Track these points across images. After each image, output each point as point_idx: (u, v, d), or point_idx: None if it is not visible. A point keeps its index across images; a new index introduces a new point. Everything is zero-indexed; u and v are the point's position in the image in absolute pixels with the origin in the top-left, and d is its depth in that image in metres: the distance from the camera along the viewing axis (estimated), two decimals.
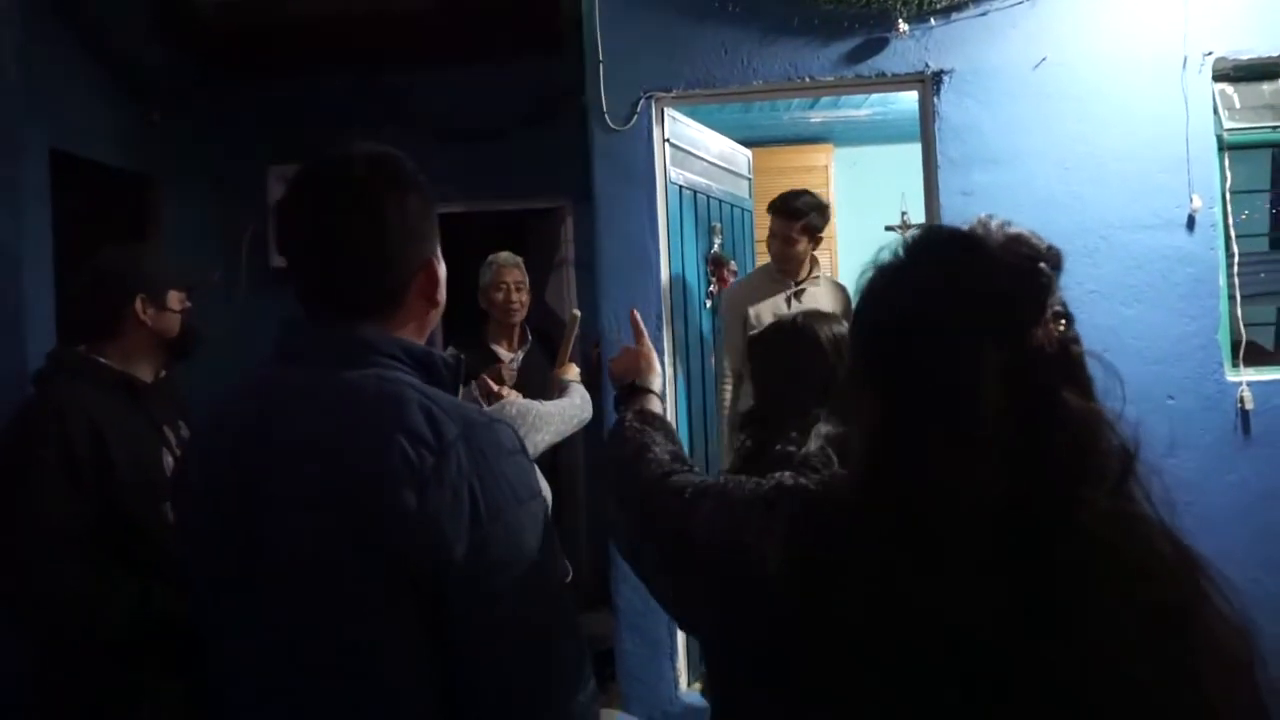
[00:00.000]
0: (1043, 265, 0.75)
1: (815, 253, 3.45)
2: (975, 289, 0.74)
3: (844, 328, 1.50)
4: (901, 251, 0.82)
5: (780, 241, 3.30)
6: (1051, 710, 0.68)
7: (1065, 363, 0.75)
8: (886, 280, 0.81)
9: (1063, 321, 0.75)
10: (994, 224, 0.79)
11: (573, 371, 2.67)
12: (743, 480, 0.93)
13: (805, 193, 3.34)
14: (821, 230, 3.35)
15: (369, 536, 0.90)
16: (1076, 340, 0.77)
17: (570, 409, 2.38)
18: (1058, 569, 0.69)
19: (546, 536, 0.97)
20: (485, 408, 2.22)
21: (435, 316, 1.09)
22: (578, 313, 2.88)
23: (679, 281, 3.37)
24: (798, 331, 1.50)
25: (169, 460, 1.82)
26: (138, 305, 1.84)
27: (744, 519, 0.85)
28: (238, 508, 0.97)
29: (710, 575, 0.88)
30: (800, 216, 3.26)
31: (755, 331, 2.34)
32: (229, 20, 3.81)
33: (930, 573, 0.70)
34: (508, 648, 0.91)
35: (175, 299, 1.91)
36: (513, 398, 2.32)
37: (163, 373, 1.95)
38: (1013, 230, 0.78)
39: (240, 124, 4.25)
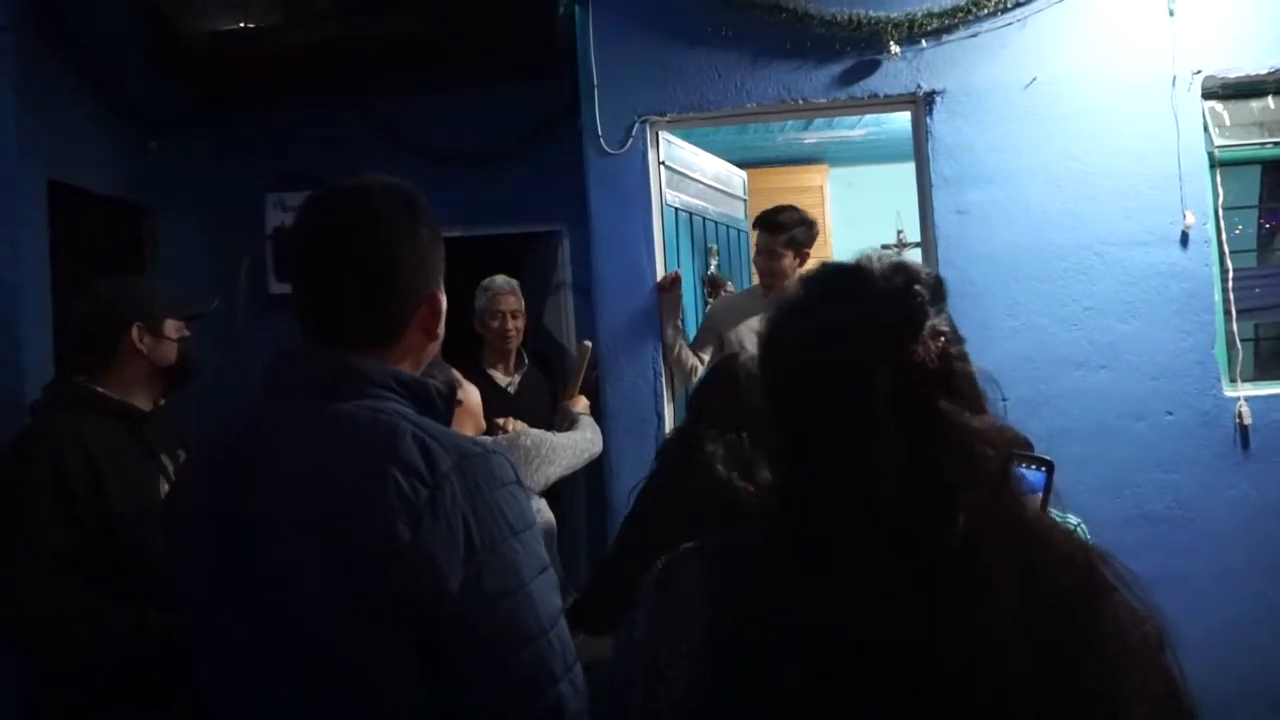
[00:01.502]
0: (918, 288, 0.81)
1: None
2: (859, 314, 0.81)
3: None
4: (800, 288, 0.89)
5: (766, 256, 3.28)
6: (963, 709, 0.71)
7: (947, 377, 0.80)
8: (785, 315, 0.87)
9: (942, 339, 0.81)
10: (877, 256, 0.86)
11: (582, 403, 2.65)
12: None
13: (791, 208, 3.33)
14: (808, 246, 3.31)
15: (363, 569, 0.89)
16: (961, 357, 0.83)
17: (582, 442, 2.35)
18: (950, 571, 0.73)
19: (542, 566, 0.96)
20: (498, 439, 2.20)
21: (433, 349, 1.10)
22: (588, 344, 2.88)
23: None
24: (729, 372, 1.78)
25: (166, 488, 1.81)
26: (134, 334, 1.84)
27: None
28: (231, 539, 0.96)
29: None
30: (784, 230, 3.24)
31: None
32: (223, 49, 3.83)
33: (832, 587, 0.74)
34: (502, 679, 0.90)
35: (172, 327, 1.91)
36: (521, 428, 2.29)
37: (161, 401, 1.95)
38: (894, 260, 0.85)
39: (237, 152, 4.26)
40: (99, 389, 1.83)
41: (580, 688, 0.96)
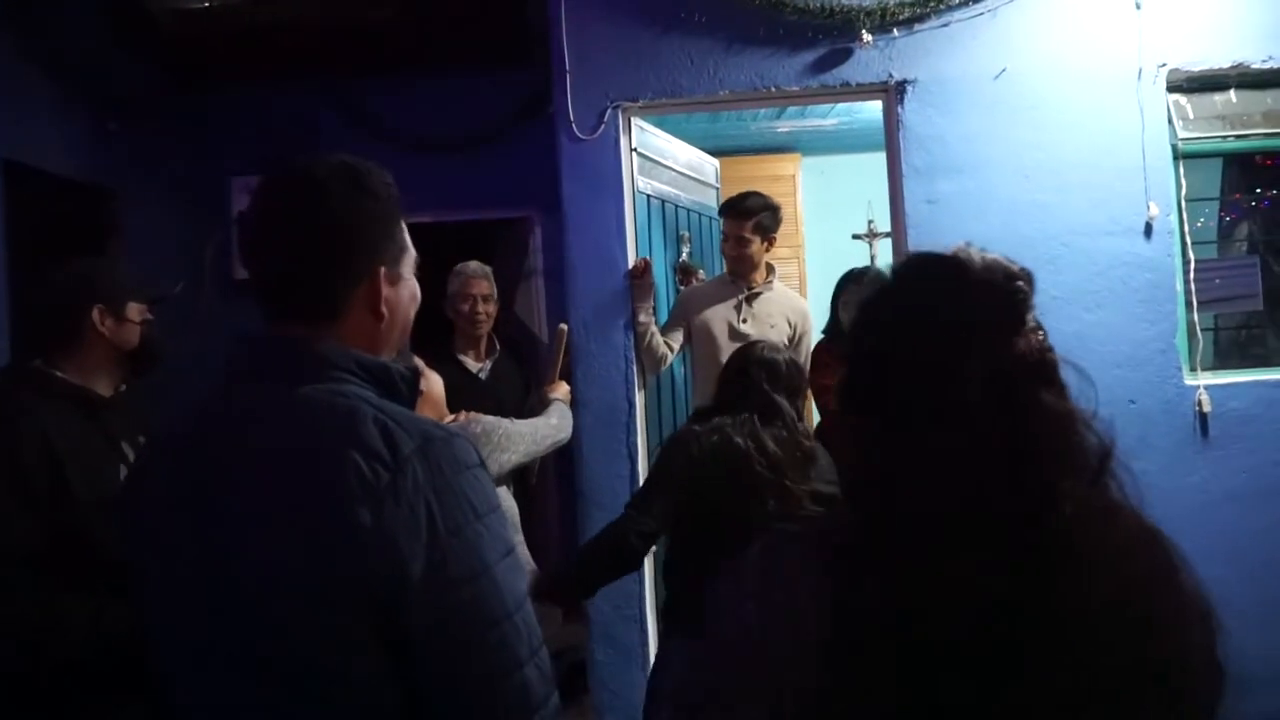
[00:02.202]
0: (1020, 284, 0.85)
1: (781, 261, 3.45)
2: (965, 306, 0.83)
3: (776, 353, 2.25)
4: (891, 279, 0.92)
5: (733, 242, 3.27)
6: (1060, 682, 0.75)
7: (1042, 368, 0.83)
8: (881, 306, 0.90)
9: (1039, 332, 0.84)
10: (974, 250, 0.88)
11: (562, 389, 2.63)
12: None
13: (756, 194, 3.33)
14: (774, 231, 3.31)
15: (325, 555, 0.88)
16: (1051, 349, 0.85)
17: (544, 429, 2.32)
18: (1048, 555, 0.77)
19: (507, 549, 0.96)
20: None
21: (391, 332, 1.06)
22: (565, 327, 2.86)
23: None
24: (741, 363, 2.27)
25: (125, 475, 1.78)
26: (95, 316, 1.80)
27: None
28: (193, 527, 0.95)
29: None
30: (750, 216, 3.24)
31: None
32: (188, 29, 3.76)
33: (936, 572, 0.77)
34: (466, 665, 0.90)
35: (135, 310, 1.87)
36: (473, 416, 2.24)
37: (122, 387, 1.91)
38: (990, 255, 0.88)
39: (202, 134, 4.19)
40: (58, 373, 1.79)
41: (547, 672, 0.96)
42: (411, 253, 1.10)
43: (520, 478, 2.52)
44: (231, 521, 0.93)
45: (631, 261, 3.18)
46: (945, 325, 0.82)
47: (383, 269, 1.03)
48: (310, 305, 1.01)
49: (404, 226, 1.09)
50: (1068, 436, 0.80)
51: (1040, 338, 0.84)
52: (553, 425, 2.34)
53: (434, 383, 1.95)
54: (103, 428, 1.81)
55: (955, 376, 0.79)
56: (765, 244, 3.29)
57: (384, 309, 1.03)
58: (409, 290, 1.09)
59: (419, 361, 1.95)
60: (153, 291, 1.96)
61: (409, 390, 1.05)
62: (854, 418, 0.88)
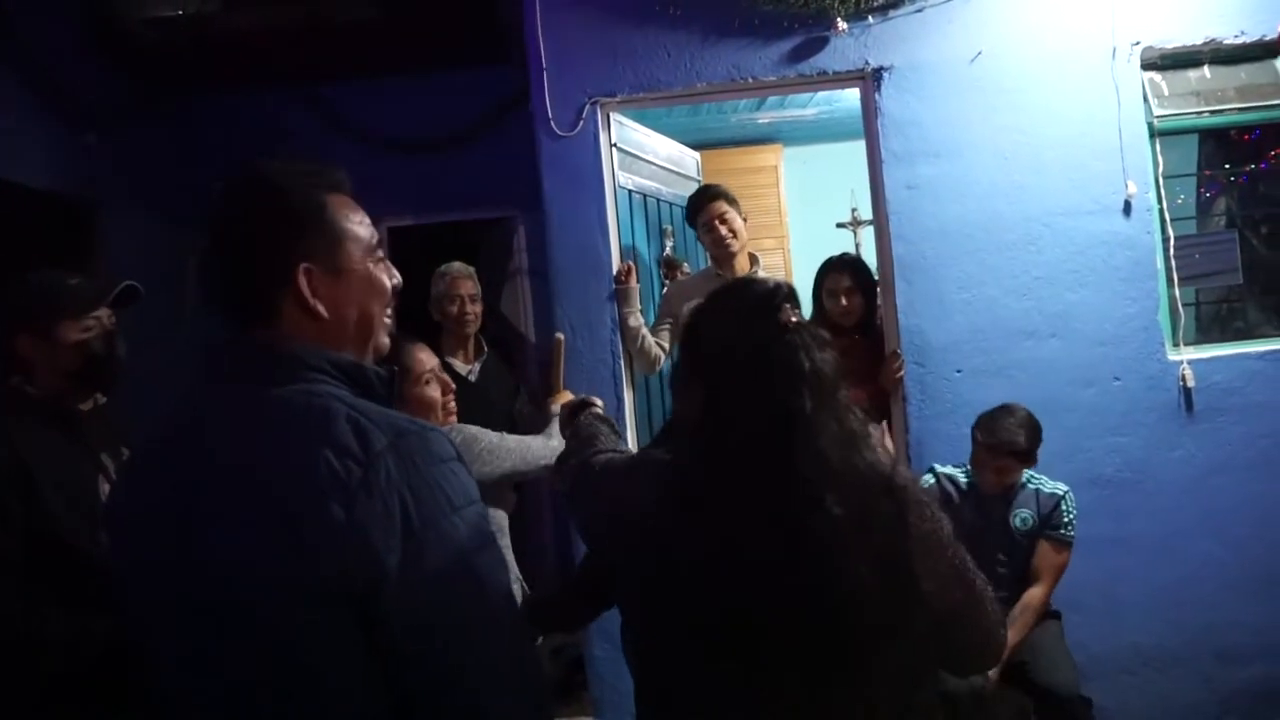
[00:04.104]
0: (779, 287, 1.20)
1: (766, 252, 3.45)
2: (743, 301, 1.22)
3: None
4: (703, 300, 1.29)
5: (714, 224, 3.25)
6: (822, 604, 1.06)
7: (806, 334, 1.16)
8: (696, 311, 1.28)
9: (796, 312, 1.18)
10: (762, 279, 1.27)
11: (564, 398, 2.55)
12: (620, 455, 1.42)
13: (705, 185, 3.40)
14: (739, 204, 3.33)
15: (300, 553, 0.88)
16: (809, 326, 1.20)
17: (538, 449, 2.20)
18: (803, 484, 1.08)
19: (486, 543, 0.96)
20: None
21: (341, 330, 1.04)
22: (561, 336, 2.84)
23: None
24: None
25: (106, 487, 1.77)
26: (19, 345, 1.78)
27: (625, 480, 1.31)
28: (173, 533, 0.95)
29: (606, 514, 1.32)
30: (716, 196, 3.28)
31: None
32: (163, 37, 3.73)
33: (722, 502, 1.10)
34: (446, 658, 0.90)
35: (70, 328, 1.81)
36: (455, 426, 2.14)
37: (101, 399, 1.90)
38: (762, 280, 1.27)
39: (182, 144, 4.16)
40: (30, 390, 1.78)
41: (535, 662, 0.97)
42: (360, 241, 1.05)
43: (516, 485, 2.41)
44: (208, 526, 0.93)
45: (615, 256, 3.19)
46: (734, 315, 1.20)
47: (306, 266, 1.00)
48: (245, 310, 1.01)
49: (340, 214, 1.04)
50: (823, 386, 1.12)
51: (796, 317, 1.16)
52: (551, 446, 2.19)
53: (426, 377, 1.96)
54: (81, 441, 1.80)
55: (741, 347, 1.15)
56: (740, 216, 3.30)
57: (318, 308, 1.01)
58: (361, 281, 1.05)
59: (423, 357, 1.95)
60: (92, 302, 1.86)
61: (385, 388, 1.04)
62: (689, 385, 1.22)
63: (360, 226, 1.07)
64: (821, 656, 1.06)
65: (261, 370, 0.98)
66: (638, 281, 3.20)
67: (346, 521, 0.87)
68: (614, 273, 3.16)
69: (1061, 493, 2.72)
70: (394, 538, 0.88)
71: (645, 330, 3.22)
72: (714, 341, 1.19)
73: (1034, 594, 2.65)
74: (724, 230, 3.25)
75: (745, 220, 3.33)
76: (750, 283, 1.26)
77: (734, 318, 1.18)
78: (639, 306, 3.19)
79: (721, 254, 3.31)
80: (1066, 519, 2.69)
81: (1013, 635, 2.54)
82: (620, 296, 3.15)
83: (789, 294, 1.19)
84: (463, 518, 0.93)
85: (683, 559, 1.10)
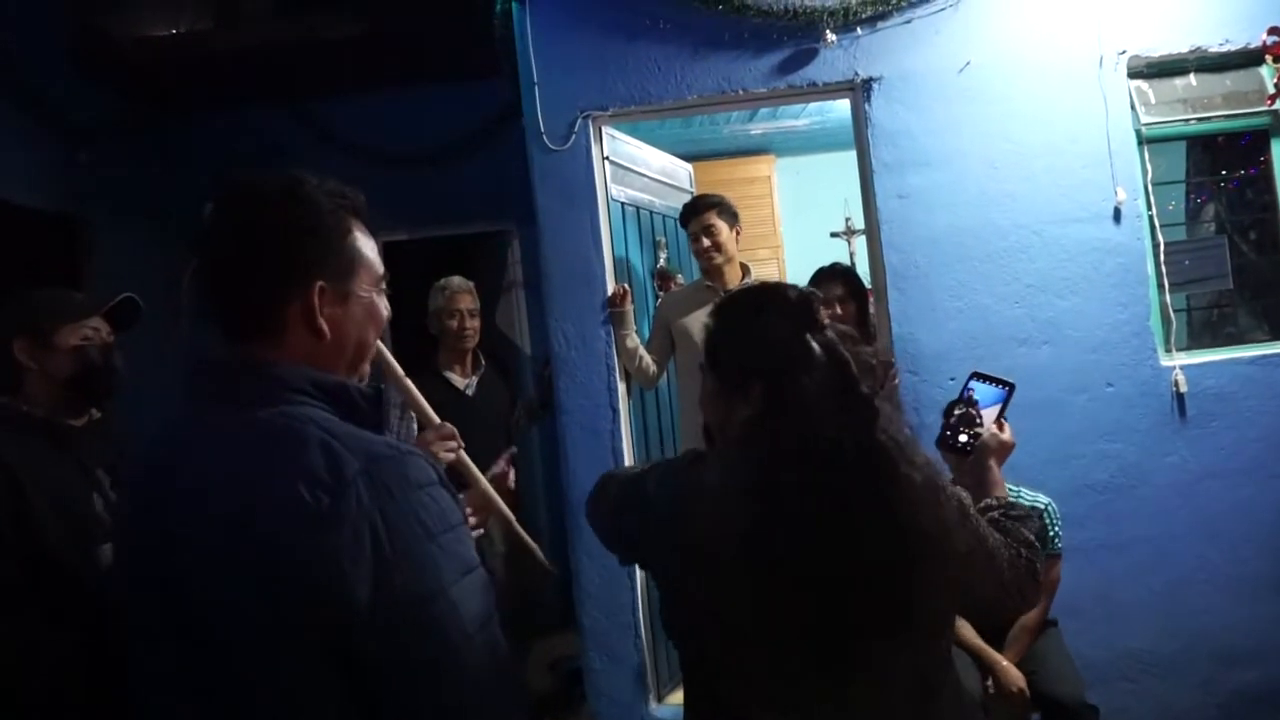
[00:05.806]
0: (812, 292, 1.27)
1: (760, 262, 3.46)
2: (786, 304, 1.25)
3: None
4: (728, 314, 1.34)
5: (702, 236, 3.25)
6: (830, 550, 1.10)
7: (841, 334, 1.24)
8: (722, 323, 1.33)
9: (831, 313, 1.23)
10: (788, 284, 1.34)
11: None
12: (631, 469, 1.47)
13: (701, 195, 3.36)
14: (738, 219, 3.31)
15: (271, 584, 0.87)
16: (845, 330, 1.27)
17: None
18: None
19: (467, 568, 0.93)
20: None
21: (339, 353, 1.03)
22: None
23: None
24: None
25: (100, 503, 1.77)
26: (16, 349, 1.78)
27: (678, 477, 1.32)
28: (155, 557, 0.94)
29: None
30: (709, 206, 3.27)
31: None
32: (154, 55, 3.74)
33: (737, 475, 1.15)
34: (422, 688, 0.87)
35: (70, 334, 1.83)
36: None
37: (95, 414, 1.89)
38: (790, 285, 1.33)
39: (174, 160, 4.17)
40: (23, 407, 1.78)
41: (515, 690, 0.95)
42: (371, 269, 1.06)
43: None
44: (187, 553, 0.91)
45: (609, 268, 3.19)
46: (766, 322, 1.24)
47: (321, 284, 0.99)
48: (245, 322, 0.99)
49: (360, 241, 1.05)
50: (844, 376, 1.17)
51: (829, 319, 1.24)
52: None
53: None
54: (75, 457, 1.80)
55: (777, 352, 1.19)
56: (734, 231, 3.29)
57: (323, 327, 1.00)
58: (364, 309, 1.05)
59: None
60: (79, 312, 1.88)
61: (371, 409, 1.02)
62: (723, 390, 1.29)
63: (375, 255, 1.07)
64: (890, 611, 1.11)
65: (244, 391, 0.97)
66: (632, 303, 3.20)
67: (315, 552, 0.85)
68: (608, 295, 3.17)
69: (1043, 505, 2.65)
70: (364, 567, 0.86)
71: (642, 349, 3.22)
72: (764, 343, 1.22)
73: (1028, 614, 2.58)
74: (707, 242, 3.25)
75: (739, 232, 3.34)
76: (782, 288, 1.30)
77: (782, 319, 1.22)
78: (634, 328, 3.20)
79: (707, 265, 3.31)
80: (1050, 533, 2.61)
81: (1011, 656, 2.55)
82: (615, 320, 3.16)
83: (821, 299, 1.26)
84: (440, 545, 0.91)
85: (767, 539, 1.12)
